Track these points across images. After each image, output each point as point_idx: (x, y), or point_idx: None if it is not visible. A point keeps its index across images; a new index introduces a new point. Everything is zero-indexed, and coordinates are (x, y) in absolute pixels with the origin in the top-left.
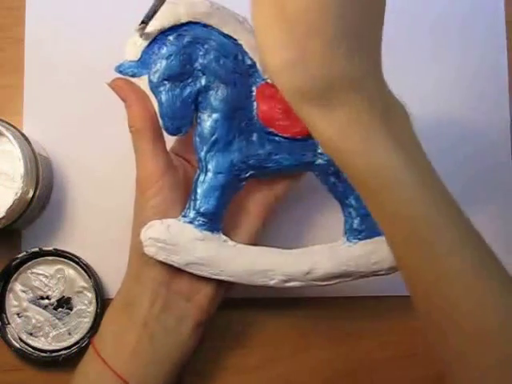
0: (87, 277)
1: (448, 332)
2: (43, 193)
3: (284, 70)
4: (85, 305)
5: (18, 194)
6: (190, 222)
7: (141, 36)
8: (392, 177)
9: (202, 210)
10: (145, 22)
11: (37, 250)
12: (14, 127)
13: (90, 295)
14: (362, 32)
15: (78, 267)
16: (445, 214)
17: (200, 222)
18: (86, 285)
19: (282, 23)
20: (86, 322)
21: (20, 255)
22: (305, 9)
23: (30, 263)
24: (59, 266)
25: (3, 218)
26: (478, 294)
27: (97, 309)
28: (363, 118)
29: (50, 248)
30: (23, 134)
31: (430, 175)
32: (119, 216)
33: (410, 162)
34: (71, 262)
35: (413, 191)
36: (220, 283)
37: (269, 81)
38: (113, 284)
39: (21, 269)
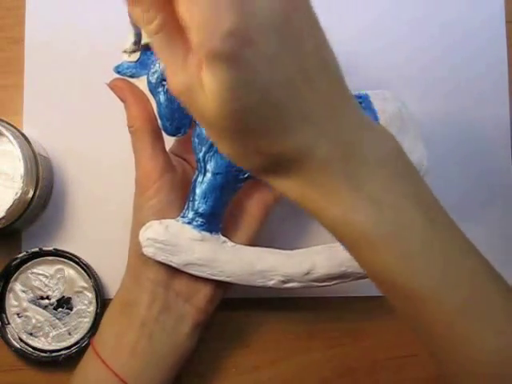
0: (87, 277)
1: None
2: (43, 193)
3: (234, 159)
4: (85, 305)
5: (18, 194)
6: (189, 223)
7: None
8: (358, 233)
9: (200, 210)
10: (137, 43)
11: (37, 250)
12: (14, 127)
13: (90, 295)
14: (295, 109)
15: (78, 267)
16: (422, 260)
17: (199, 222)
18: (85, 285)
19: (204, 125)
20: (86, 322)
21: (20, 255)
22: (215, 115)
23: (30, 263)
24: (59, 266)
25: (3, 218)
26: (464, 338)
27: (97, 309)
28: (320, 179)
29: (50, 248)
30: (23, 134)
31: (406, 219)
32: (119, 216)
33: (380, 213)
34: (71, 262)
35: (382, 246)
36: (219, 284)
37: None
38: (113, 284)
39: (21, 269)
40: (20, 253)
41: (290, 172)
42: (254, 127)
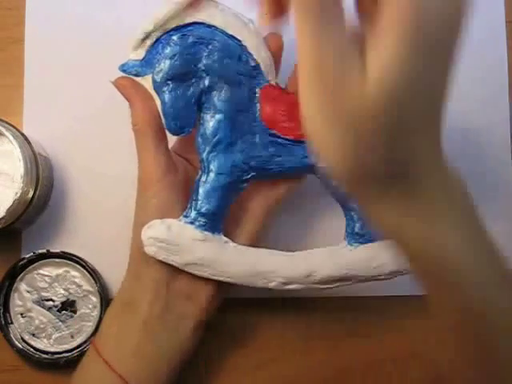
0: (93, 281)
1: None
2: (43, 193)
3: (340, 157)
4: (89, 309)
5: (18, 194)
6: (191, 223)
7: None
8: (456, 261)
9: (203, 210)
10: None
11: (44, 251)
12: (14, 127)
13: (95, 299)
14: (419, 117)
15: (85, 271)
16: (505, 293)
17: (201, 222)
18: (91, 289)
19: (337, 126)
20: (89, 326)
21: (27, 256)
22: (359, 112)
23: (36, 264)
24: (65, 269)
25: (3, 218)
26: None
27: (101, 313)
28: (422, 204)
29: (58, 250)
30: (23, 134)
31: (490, 251)
32: (120, 216)
33: (471, 240)
34: (78, 266)
35: (477, 273)
36: (220, 284)
37: (272, 82)
38: (113, 283)
39: (27, 269)
40: (20, 253)
41: (396, 190)
42: (404, 121)
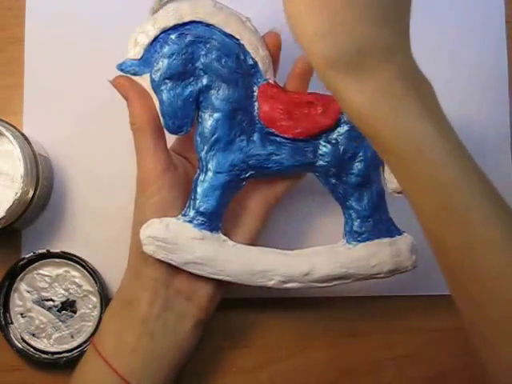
0: (93, 281)
1: (482, 301)
2: (43, 193)
3: (315, 38)
4: (89, 309)
5: (18, 194)
6: (190, 221)
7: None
8: (425, 143)
9: (201, 209)
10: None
11: (44, 251)
12: (14, 127)
13: (95, 299)
14: (392, 2)
15: (85, 271)
16: (477, 183)
17: (199, 221)
18: (91, 289)
19: (319, 13)
20: (89, 326)
21: (28, 255)
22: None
23: (36, 264)
24: (65, 269)
25: (3, 218)
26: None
27: (101, 313)
28: (394, 87)
29: (58, 250)
30: (23, 134)
31: (460, 145)
32: (119, 216)
33: (442, 130)
34: (78, 266)
35: (446, 157)
36: (219, 282)
37: (270, 81)
38: (113, 283)
39: (27, 269)
40: (19, 253)
41: (369, 71)
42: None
